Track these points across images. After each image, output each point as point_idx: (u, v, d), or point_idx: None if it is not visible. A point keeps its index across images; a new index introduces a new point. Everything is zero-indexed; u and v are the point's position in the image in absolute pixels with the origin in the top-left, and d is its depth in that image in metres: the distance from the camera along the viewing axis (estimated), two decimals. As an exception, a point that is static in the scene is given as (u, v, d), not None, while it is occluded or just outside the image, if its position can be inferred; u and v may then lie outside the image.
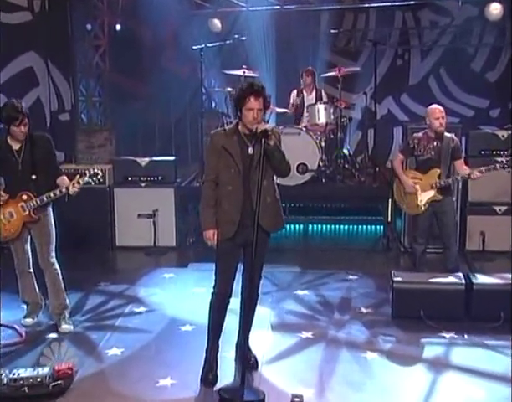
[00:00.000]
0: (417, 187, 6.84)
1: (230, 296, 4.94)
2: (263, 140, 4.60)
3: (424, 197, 6.81)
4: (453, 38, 11.95)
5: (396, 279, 6.24)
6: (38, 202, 5.67)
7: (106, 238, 8.79)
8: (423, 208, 6.82)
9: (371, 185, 9.26)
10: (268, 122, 5.08)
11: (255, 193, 4.58)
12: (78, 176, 5.69)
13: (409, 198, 6.91)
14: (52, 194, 5.64)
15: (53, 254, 5.89)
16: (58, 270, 5.96)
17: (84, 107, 11.37)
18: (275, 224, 4.94)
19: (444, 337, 5.76)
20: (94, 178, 5.69)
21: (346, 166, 9.55)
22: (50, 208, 5.87)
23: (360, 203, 9.38)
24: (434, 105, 6.92)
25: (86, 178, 5.67)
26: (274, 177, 4.93)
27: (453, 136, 6.90)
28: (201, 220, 4.94)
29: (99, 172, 5.73)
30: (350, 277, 7.45)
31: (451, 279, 6.21)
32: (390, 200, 8.51)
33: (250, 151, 4.79)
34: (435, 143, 6.81)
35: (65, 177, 5.78)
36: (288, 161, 4.86)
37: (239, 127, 4.83)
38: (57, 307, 6.01)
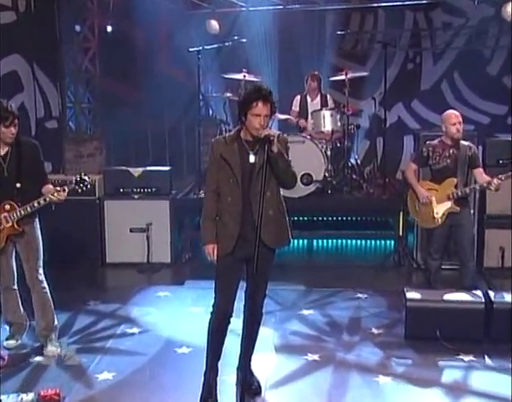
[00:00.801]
0: (433, 198, 6.80)
1: (231, 316, 4.89)
2: (265, 146, 4.56)
3: (440, 209, 6.77)
4: (468, 40, 11.92)
5: (409, 296, 6.19)
6: (22, 212, 5.61)
7: (96, 254, 8.74)
8: (440, 220, 6.78)
9: (380, 197, 9.25)
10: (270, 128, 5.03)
11: (257, 204, 4.52)
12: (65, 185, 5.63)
13: (424, 210, 6.87)
14: (36, 203, 5.58)
15: (42, 270, 5.83)
16: (47, 289, 5.90)
17: (73, 114, 11.35)
18: (278, 240, 4.88)
19: (462, 360, 5.71)
20: (82, 185, 5.63)
21: (354, 176, 9.54)
22: (37, 220, 5.81)
23: (369, 217, 9.37)
24: (450, 110, 6.91)
25: (72, 185, 5.61)
26: (279, 189, 4.88)
27: (470, 143, 6.87)
28: (201, 234, 4.92)
29: (87, 178, 5.66)
30: (359, 296, 7.42)
31: (469, 297, 6.16)
32: (401, 213, 8.49)
33: (251, 159, 4.75)
34: (451, 151, 6.78)
35: (51, 186, 5.74)
36: (293, 171, 4.82)
37: (241, 134, 4.80)
38: (44, 328, 5.94)
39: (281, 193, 4.91)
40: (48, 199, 5.57)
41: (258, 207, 4.43)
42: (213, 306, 4.89)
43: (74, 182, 5.63)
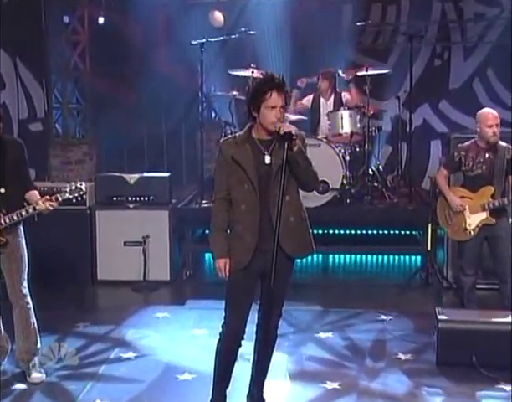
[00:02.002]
0: (466, 207, 6.75)
1: (242, 337, 4.84)
2: (286, 144, 4.51)
3: (474, 220, 6.74)
4: (503, 32, 11.84)
5: (441, 318, 6.13)
6: (7, 221, 5.53)
7: (86, 270, 8.71)
8: (472, 233, 6.75)
9: (405, 207, 9.21)
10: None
11: (275, 210, 4.49)
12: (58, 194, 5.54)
13: (456, 220, 6.84)
14: (24, 212, 5.50)
15: (26, 284, 5.76)
16: (31, 305, 5.83)
17: (60, 116, 11.40)
18: (301, 248, 4.85)
19: (504, 390, 5.64)
20: (77, 194, 5.55)
21: (376, 184, 9.52)
22: (21, 229, 5.74)
23: (393, 229, 9.36)
24: (486, 109, 6.86)
25: (67, 194, 5.52)
26: (299, 192, 4.84)
27: (509, 145, 6.80)
28: (211, 247, 4.87)
29: (83, 186, 5.58)
30: (383, 317, 7.39)
31: (509, 318, 6.07)
32: (429, 225, 8.43)
33: (267, 160, 4.70)
34: (487, 155, 6.73)
35: (36, 192, 5.67)
36: (315, 170, 4.77)
37: (253, 132, 4.76)
38: (26, 352, 5.86)
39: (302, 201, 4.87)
40: (38, 208, 5.48)
41: (276, 212, 4.42)
42: (223, 325, 4.85)
43: (68, 190, 5.54)
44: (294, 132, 4.51)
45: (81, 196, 5.61)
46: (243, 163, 4.68)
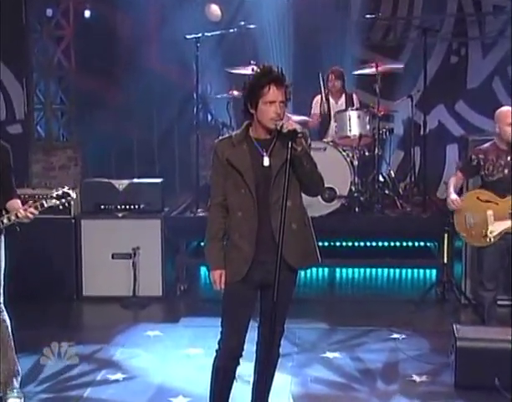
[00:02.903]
0: (491, 213, 6.73)
1: (241, 355, 4.83)
2: (289, 144, 4.50)
3: (498, 227, 6.75)
4: (526, 26, 11.91)
5: (460, 336, 6.11)
6: (-11, 229, 5.49)
7: (70, 285, 8.71)
8: (492, 239, 6.76)
9: (419, 217, 9.21)
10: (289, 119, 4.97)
11: (275, 217, 4.49)
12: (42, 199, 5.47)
13: (476, 226, 6.84)
14: (6, 220, 5.44)
15: (2, 298, 5.71)
16: (8, 322, 5.76)
17: (42, 117, 11.39)
18: (305, 258, 4.83)
19: (529, 415, 5.65)
20: (64, 201, 5.48)
21: (387, 192, 9.55)
22: (2, 240, 5.67)
23: (406, 241, 9.43)
24: (506, 107, 6.86)
25: (54, 200, 5.46)
26: (302, 197, 4.82)
27: (533, 147, 6.80)
28: (206, 258, 4.87)
29: (72, 192, 5.50)
30: (396, 336, 7.39)
31: (535, 336, 6.05)
32: (445, 236, 8.41)
33: (266, 162, 4.68)
34: (508, 158, 6.72)
35: (18, 201, 5.60)
36: (319, 173, 4.76)
37: (250, 132, 4.75)
38: (3, 374, 5.80)
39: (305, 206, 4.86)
40: (19, 215, 5.42)
41: (279, 219, 4.41)
42: (219, 341, 4.84)
43: (55, 195, 5.47)
44: (298, 130, 4.50)
45: (69, 202, 5.55)
46: (240, 166, 4.67)
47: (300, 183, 4.70)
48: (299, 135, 4.49)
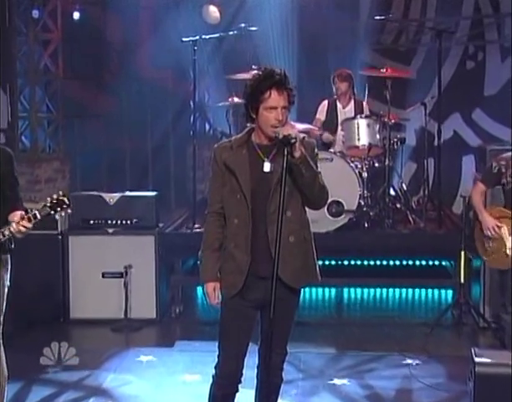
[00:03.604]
0: (504, 228, 6.71)
1: (239, 381, 4.83)
2: (285, 150, 4.48)
3: (515, 241, 6.75)
4: (547, 29, 11.94)
5: (479, 361, 6.02)
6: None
7: (57, 306, 8.68)
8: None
9: (433, 233, 9.23)
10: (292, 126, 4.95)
11: (272, 229, 4.50)
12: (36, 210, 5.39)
13: (495, 245, 6.82)
14: (7, 232, 5.31)
15: (1, 329, 5.67)
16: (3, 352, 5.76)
17: (27, 126, 11.37)
18: (302, 277, 4.80)
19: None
20: (60, 209, 5.38)
21: (398, 206, 9.56)
22: (8, 260, 5.58)
23: (420, 259, 9.41)
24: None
25: (47, 209, 5.36)
26: (304, 208, 4.81)
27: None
28: (199, 269, 4.88)
29: (67, 199, 5.40)
30: (409, 362, 7.36)
31: (561, 361, 6.00)
32: (462, 254, 8.37)
33: (266, 167, 4.67)
34: (530, 168, 6.70)
35: (19, 213, 5.43)
36: (323, 183, 4.73)
37: (252, 137, 4.75)
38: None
39: (307, 214, 4.84)
40: (12, 230, 5.30)
41: (275, 231, 4.39)
42: (216, 366, 4.82)
43: (49, 204, 5.38)
44: (293, 135, 4.47)
45: (66, 211, 5.44)
46: (237, 170, 4.67)
47: (301, 194, 4.69)
48: (292, 140, 4.45)
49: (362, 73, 10.15)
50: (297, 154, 4.50)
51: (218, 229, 4.77)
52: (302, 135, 4.75)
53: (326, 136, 9.71)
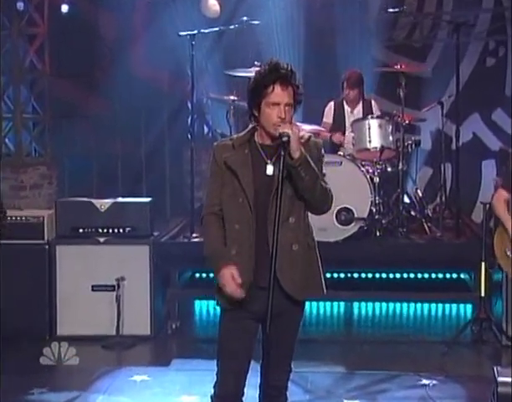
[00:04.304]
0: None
1: (241, 400, 4.81)
2: (282, 150, 4.48)
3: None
4: None
5: (502, 380, 5.97)
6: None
7: (43, 322, 8.65)
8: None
9: (451, 243, 9.22)
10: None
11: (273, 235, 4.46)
12: None
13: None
14: None
15: None
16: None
17: (11, 128, 11.38)
18: (307, 287, 4.75)
19: None
20: None
21: (413, 213, 9.55)
22: None
23: (436, 271, 9.35)
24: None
25: None
26: (307, 214, 4.80)
27: None
28: (207, 261, 4.77)
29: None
30: (425, 382, 7.34)
31: None
32: (482, 265, 8.34)
33: (269, 170, 4.64)
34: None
35: None
36: (327, 187, 4.71)
37: (255, 136, 4.74)
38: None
39: (310, 221, 4.83)
40: None
41: (272, 238, 4.40)
42: (215, 386, 4.80)
43: None
44: (287, 133, 4.45)
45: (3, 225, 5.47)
46: (239, 171, 4.65)
47: (301, 199, 4.67)
48: (285, 138, 4.43)
49: (375, 70, 10.10)
50: (295, 155, 4.48)
51: (220, 229, 4.72)
52: (307, 134, 4.75)
53: (337, 136, 9.70)
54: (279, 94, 4.55)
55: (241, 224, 4.66)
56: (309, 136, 4.72)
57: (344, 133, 9.77)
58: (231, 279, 4.58)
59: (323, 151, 4.82)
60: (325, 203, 4.74)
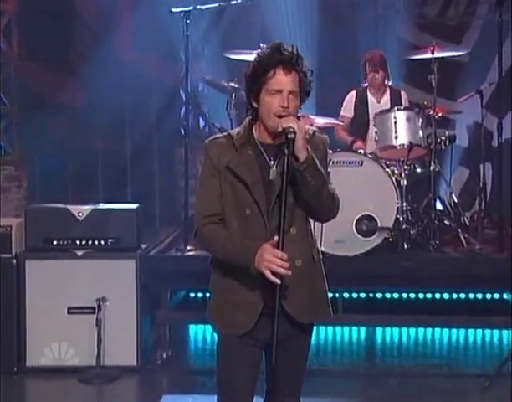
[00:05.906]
0: None
1: None
2: (285, 149, 4.48)
3: None
4: None
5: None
6: None
7: (9, 352, 8.62)
8: None
9: (492, 258, 9.22)
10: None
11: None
12: None
13: None
14: None
15: None
16: None
17: (-28, 122, 11.41)
18: (313, 310, 4.81)
19: None
20: None
21: (447, 223, 9.56)
22: None
23: (474, 291, 9.31)
24: None
25: None
26: (310, 224, 4.84)
27: None
28: (229, 256, 4.66)
29: None
30: (462, 423, 7.42)
31: None
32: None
33: (271, 175, 4.62)
34: None
35: None
36: (333, 191, 4.71)
37: (254, 131, 4.73)
38: None
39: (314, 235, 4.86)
40: None
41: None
42: None
43: None
44: (293, 128, 4.45)
45: None
46: (247, 177, 4.64)
47: (305, 205, 4.68)
48: (290, 135, 4.43)
49: (401, 54, 10.10)
50: (301, 155, 4.49)
51: (224, 231, 4.67)
52: (312, 128, 4.75)
53: (359, 144, 9.66)
54: (280, 79, 4.54)
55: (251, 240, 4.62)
56: (314, 131, 4.72)
57: (367, 129, 9.78)
58: (272, 256, 4.45)
59: (328, 148, 4.80)
60: (331, 210, 4.76)
